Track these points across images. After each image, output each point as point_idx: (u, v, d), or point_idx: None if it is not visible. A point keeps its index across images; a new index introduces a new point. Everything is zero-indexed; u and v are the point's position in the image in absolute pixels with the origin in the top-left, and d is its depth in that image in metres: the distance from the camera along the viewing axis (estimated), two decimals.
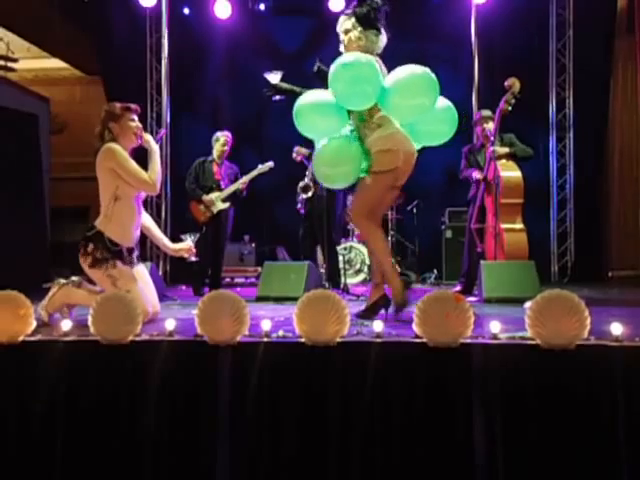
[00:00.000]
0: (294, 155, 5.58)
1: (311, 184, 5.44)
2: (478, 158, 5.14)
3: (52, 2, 7.90)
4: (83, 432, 2.24)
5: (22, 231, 6.67)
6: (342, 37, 3.31)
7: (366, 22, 3.20)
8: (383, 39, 3.29)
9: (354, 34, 3.23)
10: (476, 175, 4.97)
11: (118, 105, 3.23)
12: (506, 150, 4.93)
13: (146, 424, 2.20)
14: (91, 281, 3.17)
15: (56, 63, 9.35)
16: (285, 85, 3.46)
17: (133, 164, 3.13)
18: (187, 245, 3.42)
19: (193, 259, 3.42)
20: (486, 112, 5.16)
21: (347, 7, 3.35)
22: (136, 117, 3.25)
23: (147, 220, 3.38)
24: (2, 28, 7.93)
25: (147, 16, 7.71)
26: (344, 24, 3.27)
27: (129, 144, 3.23)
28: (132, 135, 3.21)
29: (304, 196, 5.52)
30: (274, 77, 3.55)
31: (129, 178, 3.10)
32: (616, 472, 2.00)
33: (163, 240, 3.45)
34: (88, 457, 2.23)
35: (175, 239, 3.61)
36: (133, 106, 3.26)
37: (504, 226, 4.76)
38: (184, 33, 7.75)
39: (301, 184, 5.54)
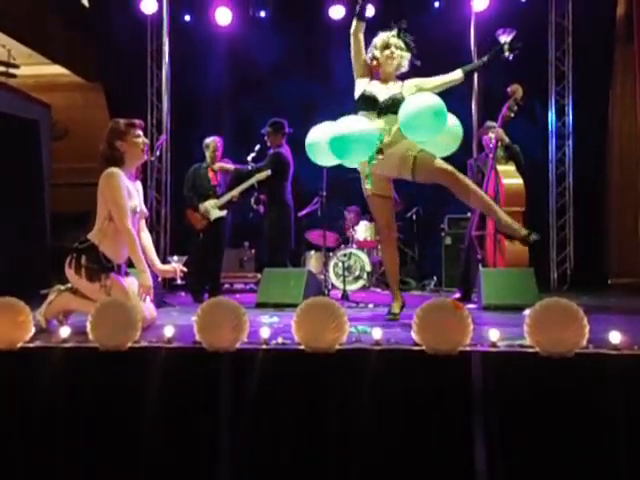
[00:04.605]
0: None
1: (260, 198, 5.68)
2: (483, 168, 5.13)
3: (54, 9, 7.95)
4: (82, 438, 2.23)
5: (22, 237, 6.66)
6: (391, 51, 3.58)
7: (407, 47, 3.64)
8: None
9: (406, 55, 3.63)
10: None
11: (122, 122, 3.14)
12: (507, 140, 4.95)
13: (145, 430, 2.20)
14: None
15: (57, 69, 9.36)
16: None
17: (123, 201, 3.02)
18: (172, 267, 3.31)
19: (179, 282, 3.38)
20: (490, 123, 5.18)
21: (397, 24, 3.68)
22: (141, 132, 3.18)
23: (145, 240, 3.26)
24: (4, 35, 7.95)
25: (148, 23, 7.73)
26: (398, 41, 3.61)
27: (136, 161, 3.18)
28: (140, 151, 3.15)
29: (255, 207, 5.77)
30: None
31: (113, 210, 3.02)
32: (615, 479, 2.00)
33: (154, 261, 3.29)
34: (87, 463, 2.23)
35: (174, 245, 3.60)
36: (137, 121, 3.18)
37: None
38: (185, 40, 7.77)
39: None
